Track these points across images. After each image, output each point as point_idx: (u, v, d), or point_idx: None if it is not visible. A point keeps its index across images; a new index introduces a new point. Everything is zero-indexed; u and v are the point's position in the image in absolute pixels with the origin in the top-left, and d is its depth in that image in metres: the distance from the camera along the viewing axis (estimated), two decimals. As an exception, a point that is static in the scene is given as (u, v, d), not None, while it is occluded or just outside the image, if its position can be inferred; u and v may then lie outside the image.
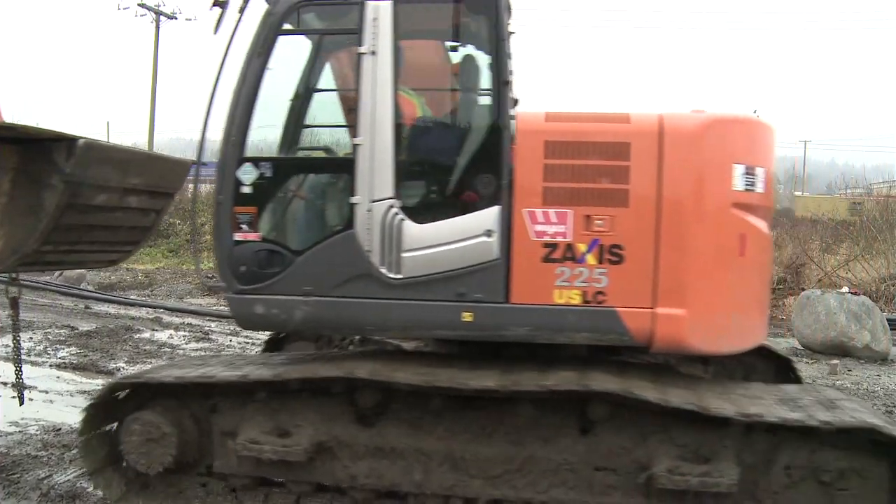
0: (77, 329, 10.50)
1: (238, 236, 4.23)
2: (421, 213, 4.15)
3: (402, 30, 4.18)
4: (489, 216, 4.06)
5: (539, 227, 4.03)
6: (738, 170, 4.05)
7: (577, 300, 4.02)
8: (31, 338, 9.72)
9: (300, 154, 4.69)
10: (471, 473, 4.08)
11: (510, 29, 4.74)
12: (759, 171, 4.19)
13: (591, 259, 4.01)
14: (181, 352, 9.41)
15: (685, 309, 3.96)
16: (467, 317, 4.07)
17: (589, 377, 3.95)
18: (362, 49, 4.13)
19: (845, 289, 11.47)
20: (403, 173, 4.17)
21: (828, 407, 3.96)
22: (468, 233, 4.07)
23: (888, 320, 11.22)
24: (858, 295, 10.92)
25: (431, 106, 4.65)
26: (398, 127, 4.17)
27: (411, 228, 4.10)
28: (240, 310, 4.28)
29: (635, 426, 3.99)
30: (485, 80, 4.38)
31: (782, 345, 11.56)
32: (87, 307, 12.82)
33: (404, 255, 4.10)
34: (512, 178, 4.05)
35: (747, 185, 4.10)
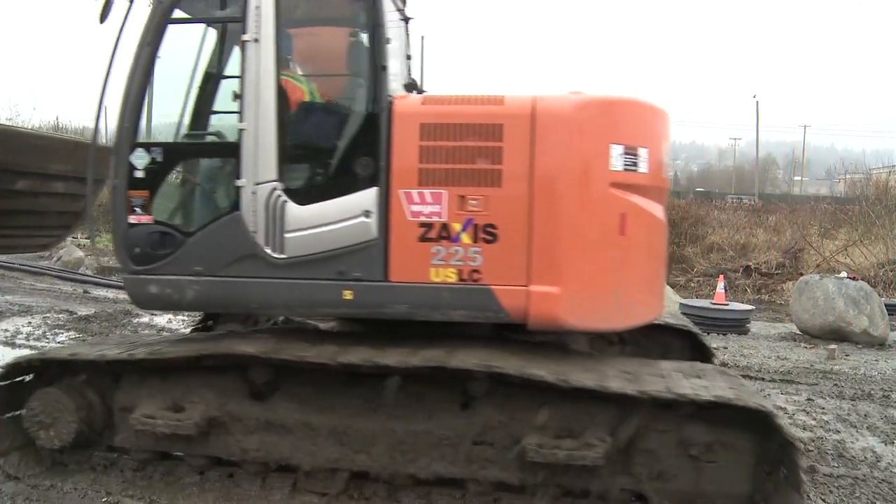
0: (76, 313, 10.54)
1: (132, 219, 4.37)
2: (303, 195, 4.27)
3: (285, 17, 4.30)
4: (367, 197, 4.18)
5: (415, 208, 4.13)
6: (617, 150, 4.10)
7: (452, 278, 4.11)
8: (29, 322, 9.77)
9: (190, 139, 4.86)
10: (355, 448, 4.18)
11: (405, 14, 4.99)
12: (643, 152, 4.20)
13: (465, 238, 4.10)
14: (180, 336, 9.41)
15: (559, 287, 4.03)
16: (348, 295, 4.19)
17: (385, 353, 4.04)
18: (246, 37, 4.25)
19: (844, 274, 11.46)
20: (286, 157, 4.28)
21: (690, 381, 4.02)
22: (347, 213, 4.20)
23: (886, 305, 11.21)
24: (857, 280, 10.92)
25: (321, 91, 4.77)
26: (281, 112, 4.27)
27: (294, 210, 4.23)
28: (135, 290, 4.44)
29: (512, 402, 4.06)
30: (366, 66, 4.46)
31: (780, 330, 11.60)
32: (85, 291, 12.89)
33: (287, 235, 4.24)
34: (389, 160, 4.16)
35: (627, 165, 4.14)
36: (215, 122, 4.81)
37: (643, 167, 4.22)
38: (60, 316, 10.25)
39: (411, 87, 4.92)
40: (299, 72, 4.71)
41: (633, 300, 4.30)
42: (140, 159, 4.33)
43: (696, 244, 19.56)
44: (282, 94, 4.29)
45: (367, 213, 4.17)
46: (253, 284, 4.29)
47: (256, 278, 4.29)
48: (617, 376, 4.01)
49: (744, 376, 7.88)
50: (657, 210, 4.39)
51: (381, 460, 4.15)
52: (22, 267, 14.34)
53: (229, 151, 4.35)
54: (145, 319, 10.35)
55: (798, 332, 11.00)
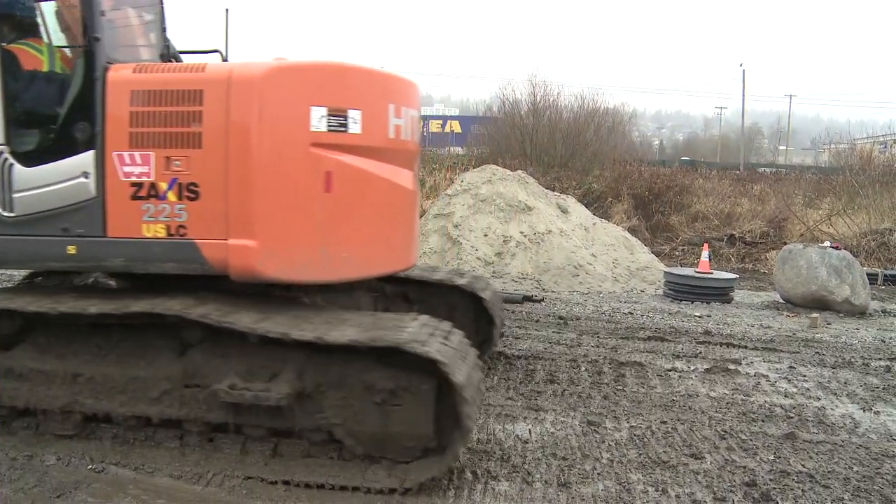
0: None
1: None
2: (29, 157, 4.53)
3: None
4: (86, 159, 4.44)
5: (127, 168, 4.40)
6: (318, 112, 4.34)
7: (162, 233, 4.41)
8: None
9: None
10: (84, 393, 4.43)
11: None
12: (355, 114, 4.44)
13: (171, 196, 4.37)
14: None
15: (255, 240, 4.28)
16: (72, 250, 4.49)
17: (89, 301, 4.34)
18: None
19: (827, 243, 11.51)
20: (13, 122, 4.54)
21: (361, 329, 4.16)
22: (68, 175, 4.46)
23: (868, 275, 11.26)
24: (840, 249, 10.98)
25: (63, 60, 4.89)
26: (6, 80, 4.52)
27: (21, 171, 4.50)
28: None
29: (220, 348, 4.31)
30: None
31: (763, 298, 11.69)
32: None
33: (15, 195, 4.51)
34: (104, 125, 4.41)
35: (332, 126, 4.37)
36: None
37: (355, 128, 4.45)
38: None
39: (167, 56, 5.24)
40: (48, 41, 4.89)
41: (347, 255, 4.54)
42: None
43: (681, 213, 19.56)
44: (7, 63, 4.52)
45: (85, 174, 4.43)
46: None
47: None
48: (316, 326, 4.15)
49: (727, 344, 7.97)
50: (388, 170, 4.67)
51: (107, 403, 4.42)
52: None
53: None
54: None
55: (781, 300, 11.05)
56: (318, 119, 4.34)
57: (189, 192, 4.34)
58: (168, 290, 4.53)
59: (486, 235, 12.00)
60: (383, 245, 4.84)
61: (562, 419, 5.28)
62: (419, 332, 4.12)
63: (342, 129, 4.41)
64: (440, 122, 58.68)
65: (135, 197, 4.39)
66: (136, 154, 4.37)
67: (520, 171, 14.28)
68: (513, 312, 9.24)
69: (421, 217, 14.67)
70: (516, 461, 4.50)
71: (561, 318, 9.01)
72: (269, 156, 4.28)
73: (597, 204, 19.38)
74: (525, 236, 12.05)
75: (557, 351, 7.25)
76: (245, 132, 4.25)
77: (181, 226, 4.37)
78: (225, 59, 5.36)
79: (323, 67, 4.50)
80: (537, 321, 8.78)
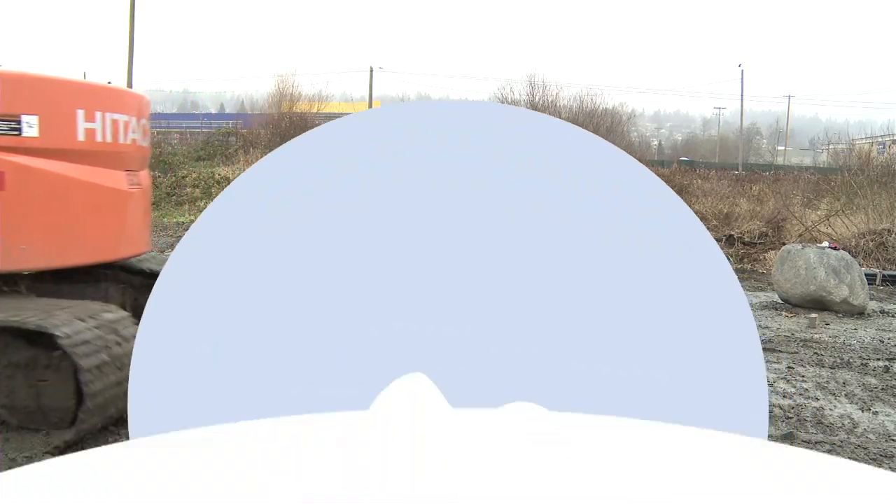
0: None
1: None
2: None
3: None
4: None
5: None
6: None
7: None
8: None
9: None
10: None
11: None
12: (30, 119, 4.73)
13: None
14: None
15: None
16: None
17: None
18: None
19: (825, 243, 11.55)
20: None
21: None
22: None
23: (866, 275, 11.28)
24: (838, 249, 10.99)
25: None
26: None
27: None
28: None
29: None
30: None
31: (762, 298, 11.69)
32: None
33: None
34: None
35: (2, 130, 4.67)
36: None
37: (31, 132, 4.74)
38: None
39: None
40: None
41: (26, 246, 4.85)
42: None
43: (680, 213, 19.59)
44: None
45: None
46: None
47: None
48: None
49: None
50: (81, 170, 5.00)
51: None
52: None
53: None
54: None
55: (779, 301, 11.07)
56: None
57: None
58: None
59: (485, 236, 11.98)
60: (74, 238, 5.12)
61: (561, 419, 5.28)
62: (59, 314, 4.40)
63: (15, 132, 4.70)
64: (439, 122, 58.54)
65: None
66: None
67: (519, 172, 14.24)
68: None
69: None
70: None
71: (560, 318, 9.00)
72: None
73: (596, 204, 19.35)
74: (524, 237, 12.03)
75: (556, 351, 7.25)
76: None
77: None
78: None
79: None
80: (536, 321, 8.77)
